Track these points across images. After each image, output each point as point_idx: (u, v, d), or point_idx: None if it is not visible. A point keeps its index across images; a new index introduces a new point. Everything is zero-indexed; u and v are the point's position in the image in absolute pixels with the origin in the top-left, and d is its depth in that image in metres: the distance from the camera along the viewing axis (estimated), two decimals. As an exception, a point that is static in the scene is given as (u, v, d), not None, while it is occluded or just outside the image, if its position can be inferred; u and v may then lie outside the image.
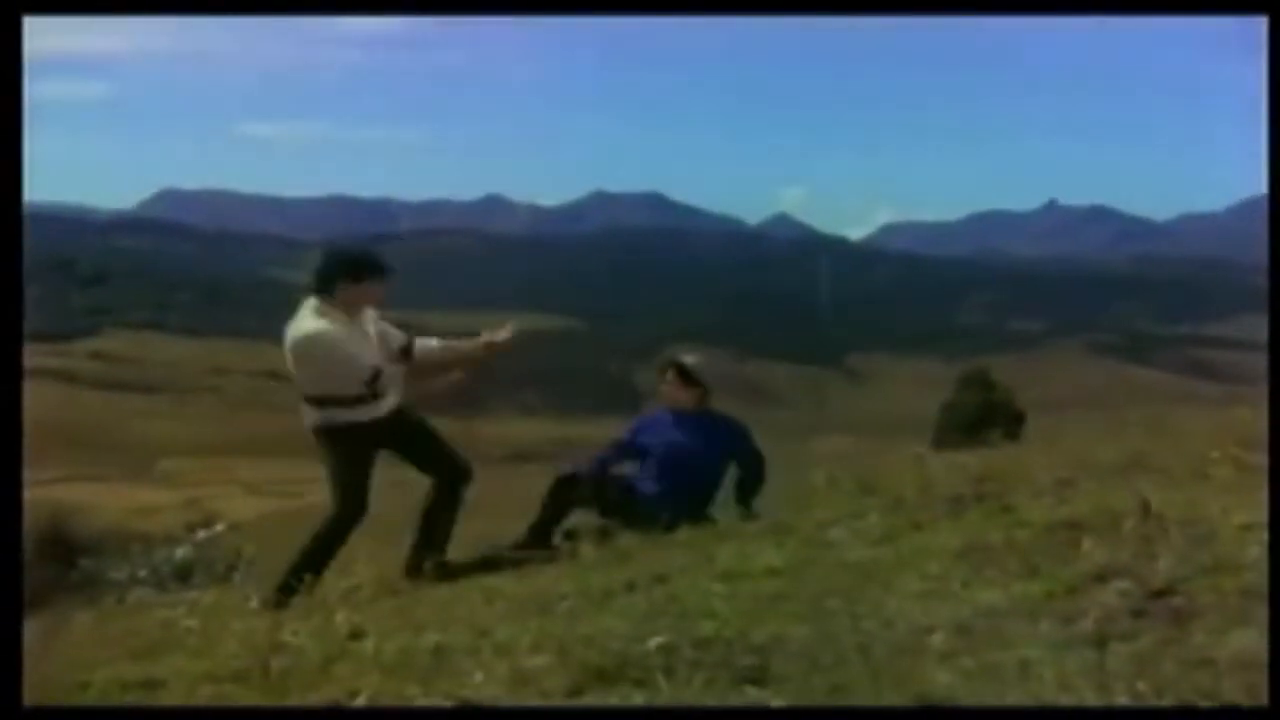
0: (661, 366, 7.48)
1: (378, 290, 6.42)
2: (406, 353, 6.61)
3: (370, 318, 6.47)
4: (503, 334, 6.69)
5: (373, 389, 6.21)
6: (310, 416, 6.34)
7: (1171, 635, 3.28)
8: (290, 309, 6.18)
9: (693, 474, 7.09)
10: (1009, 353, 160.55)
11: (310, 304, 6.25)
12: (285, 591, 6.06)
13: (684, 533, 6.08)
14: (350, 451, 6.32)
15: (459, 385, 6.74)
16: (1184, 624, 3.34)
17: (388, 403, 6.35)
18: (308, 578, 6.06)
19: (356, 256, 6.41)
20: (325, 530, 6.30)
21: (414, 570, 6.39)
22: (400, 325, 6.53)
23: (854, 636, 3.60)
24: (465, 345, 6.79)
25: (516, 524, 6.87)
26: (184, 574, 8.74)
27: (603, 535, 6.30)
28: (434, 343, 6.76)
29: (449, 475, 6.62)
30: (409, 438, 6.54)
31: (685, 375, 7.36)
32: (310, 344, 6.17)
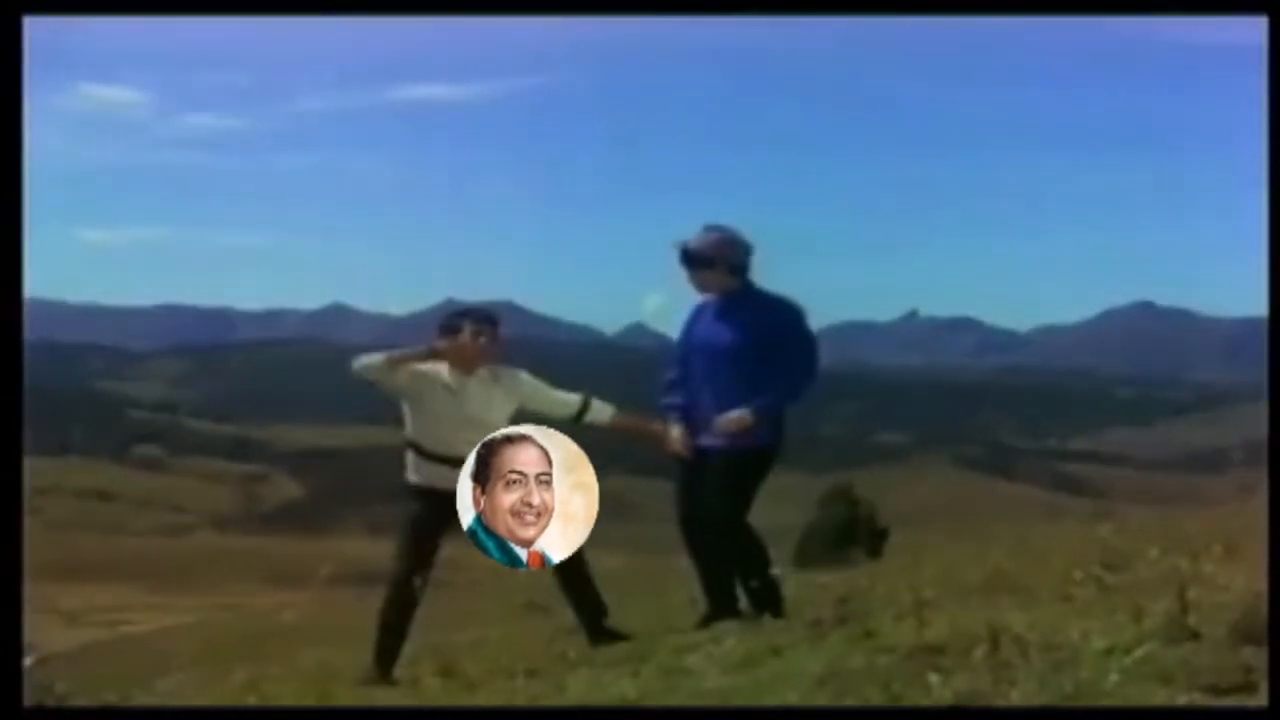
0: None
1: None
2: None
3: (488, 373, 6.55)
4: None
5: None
6: None
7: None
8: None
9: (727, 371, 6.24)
10: (873, 465, 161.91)
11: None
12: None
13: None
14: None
15: None
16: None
17: None
18: None
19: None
20: None
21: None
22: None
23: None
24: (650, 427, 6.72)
25: (361, 652, 6.54)
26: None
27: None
28: (609, 410, 6.78)
29: None
30: None
31: (692, 260, 6.31)
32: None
